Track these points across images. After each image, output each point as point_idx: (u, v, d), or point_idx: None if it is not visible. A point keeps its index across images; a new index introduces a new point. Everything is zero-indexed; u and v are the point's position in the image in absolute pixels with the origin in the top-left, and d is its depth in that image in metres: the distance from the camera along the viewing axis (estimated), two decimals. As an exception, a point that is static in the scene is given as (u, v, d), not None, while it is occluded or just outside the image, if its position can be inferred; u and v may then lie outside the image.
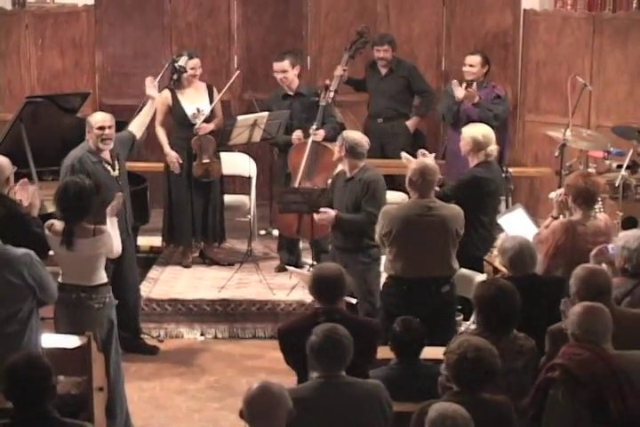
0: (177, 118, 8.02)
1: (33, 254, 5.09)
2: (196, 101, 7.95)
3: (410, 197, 6.10)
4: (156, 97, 7.24)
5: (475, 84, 7.98)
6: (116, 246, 5.88)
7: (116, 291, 6.72)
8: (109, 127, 6.62)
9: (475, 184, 6.63)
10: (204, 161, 7.94)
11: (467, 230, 6.13)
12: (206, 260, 8.34)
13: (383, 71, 8.80)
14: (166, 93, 7.97)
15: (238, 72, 8.34)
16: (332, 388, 4.29)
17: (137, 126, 7.08)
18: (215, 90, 8.09)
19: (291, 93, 8.07)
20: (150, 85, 7.20)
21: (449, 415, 3.88)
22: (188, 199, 8.06)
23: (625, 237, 5.42)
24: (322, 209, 6.69)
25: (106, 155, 6.72)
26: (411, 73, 8.80)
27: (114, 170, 6.74)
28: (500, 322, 4.75)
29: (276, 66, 8.02)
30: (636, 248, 5.29)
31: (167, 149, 7.96)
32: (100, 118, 6.65)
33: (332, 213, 6.61)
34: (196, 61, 7.94)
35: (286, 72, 7.98)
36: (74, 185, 5.73)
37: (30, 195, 5.97)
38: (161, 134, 8.00)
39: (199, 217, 8.11)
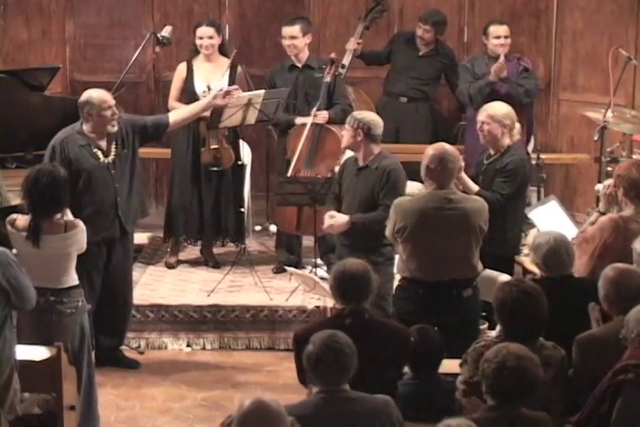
0: (186, 95, 8.01)
1: (9, 253, 5.07)
2: (210, 79, 7.93)
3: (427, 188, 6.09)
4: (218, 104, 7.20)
5: (502, 56, 7.97)
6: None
7: (106, 291, 6.74)
8: (115, 105, 6.58)
9: (523, 169, 6.66)
10: (213, 146, 7.93)
11: (499, 225, 6.10)
12: (210, 262, 8.30)
13: (423, 49, 8.79)
14: (182, 66, 8.04)
15: (235, 51, 8.19)
16: (335, 404, 4.30)
17: (176, 117, 7.02)
18: (241, 69, 8.00)
19: (298, 65, 8.07)
20: (220, 95, 7.13)
21: None
22: (195, 190, 8.06)
23: None
24: (330, 213, 6.64)
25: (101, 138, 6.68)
26: (452, 61, 8.86)
27: (106, 156, 6.66)
28: (523, 329, 4.75)
29: (286, 31, 8.02)
30: None
31: (203, 101, 7.30)
32: (107, 97, 6.54)
33: (343, 218, 6.58)
34: (204, 29, 7.91)
35: (295, 39, 7.98)
36: (46, 174, 5.68)
37: None
38: (178, 104, 7.89)
39: (209, 211, 8.09)
